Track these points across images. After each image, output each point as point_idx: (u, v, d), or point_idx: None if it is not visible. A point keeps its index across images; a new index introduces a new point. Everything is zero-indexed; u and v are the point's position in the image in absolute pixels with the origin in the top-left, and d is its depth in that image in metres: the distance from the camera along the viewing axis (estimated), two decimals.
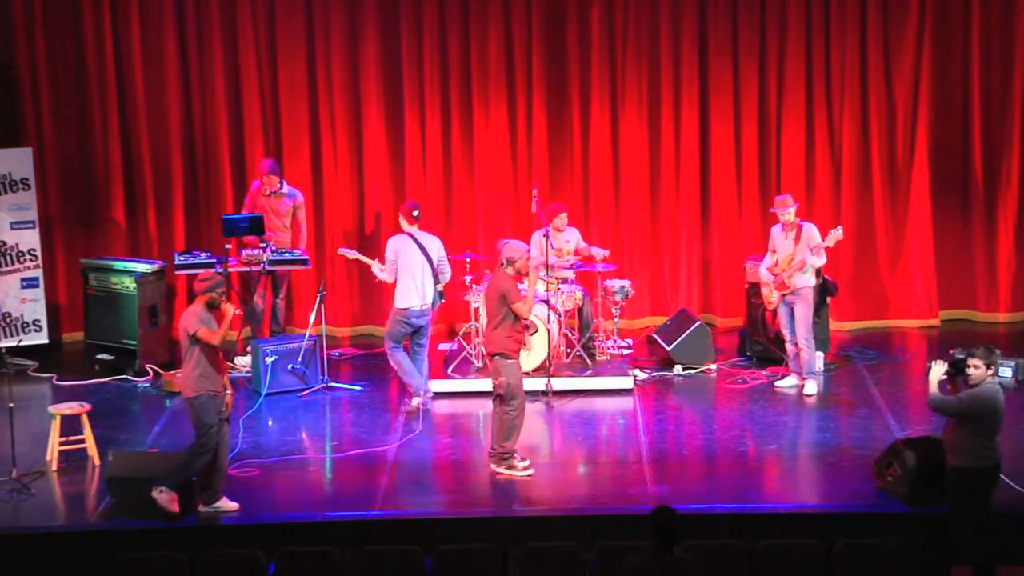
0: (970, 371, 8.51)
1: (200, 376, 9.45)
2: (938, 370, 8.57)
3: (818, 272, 12.01)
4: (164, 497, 9.41)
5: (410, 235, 11.68)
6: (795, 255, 11.77)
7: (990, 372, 8.48)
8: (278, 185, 13.04)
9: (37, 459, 10.47)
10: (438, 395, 11.99)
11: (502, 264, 10.28)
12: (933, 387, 8.56)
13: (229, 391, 9.63)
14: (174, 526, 9.36)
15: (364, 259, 12.19)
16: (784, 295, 11.86)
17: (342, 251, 12.53)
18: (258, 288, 13.01)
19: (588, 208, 14.04)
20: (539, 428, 11.60)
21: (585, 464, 10.59)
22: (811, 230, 11.85)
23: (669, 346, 12.65)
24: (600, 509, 9.66)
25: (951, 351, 8.69)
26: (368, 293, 14.08)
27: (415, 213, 11.73)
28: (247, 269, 12.92)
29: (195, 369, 9.47)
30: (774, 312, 12.23)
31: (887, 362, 12.92)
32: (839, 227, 11.88)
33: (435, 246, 11.77)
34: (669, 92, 13.85)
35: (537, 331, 11.99)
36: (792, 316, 11.87)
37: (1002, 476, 8.77)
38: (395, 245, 11.69)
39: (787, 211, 11.82)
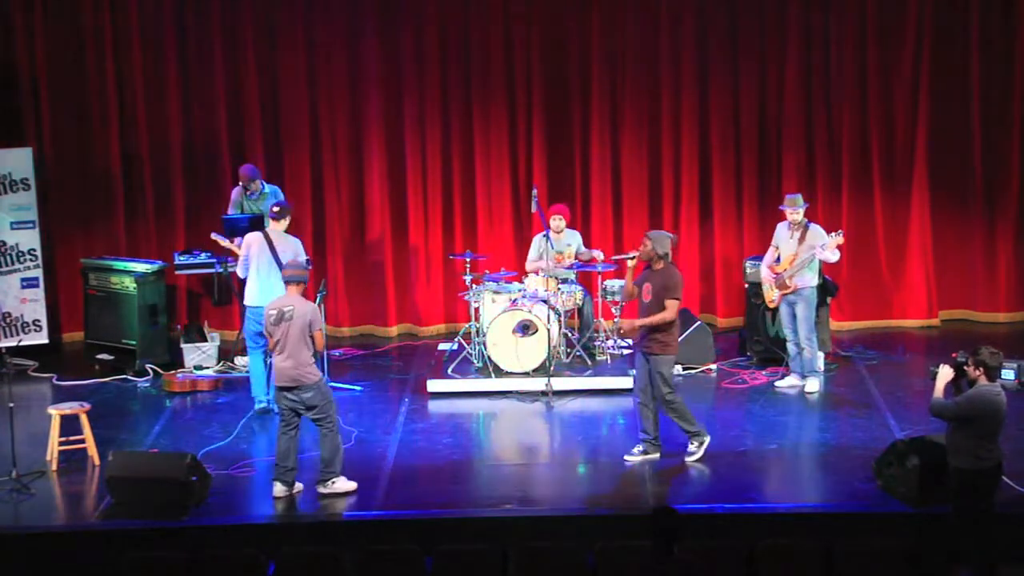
0: (967, 371, 8.54)
1: (316, 363, 9.79)
2: (945, 373, 8.58)
3: (819, 272, 12.01)
4: (339, 485, 9.74)
5: (264, 233, 11.47)
6: (798, 255, 11.76)
7: (978, 373, 8.47)
8: (261, 187, 13.05)
9: (37, 459, 10.46)
10: (439, 395, 11.99)
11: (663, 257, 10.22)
12: (938, 391, 8.57)
13: None
14: (174, 526, 9.36)
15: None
16: (785, 294, 11.86)
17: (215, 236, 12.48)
18: None
19: (589, 208, 14.04)
20: (539, 428, 11.60)
21: (585, 464, 10.59)
22: (817, 231, 11.82)
23: None
24: (600, 509, 9.66)
25: (953, 355, 8.69)
26: (368, 293, 14.09)
27: (274, 211, 11.58)
28: None
29: (312, 356, 9.74)
30: (774, 311, 12.25)
31: (887, 362, 12.92)
32: (840, 231, 11.87)
33: (289, 248, 11.42)
34: (669, 92, 13.85)
35: (537, 331, 11.99)
36: (793, 316, 11.87)
37: (1003, 477, 8.77)
38: (248, 240, 11.55)
39: (797, 210, 11.81)
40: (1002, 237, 13.94)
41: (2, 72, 13.59)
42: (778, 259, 11.98)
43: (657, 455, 10.38)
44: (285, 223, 11.45)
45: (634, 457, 10.38)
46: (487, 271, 12.81)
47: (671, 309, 10.12)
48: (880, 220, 13.91)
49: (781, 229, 12.01)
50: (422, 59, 13.76)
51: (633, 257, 10.35)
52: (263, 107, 13.86)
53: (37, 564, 9.18)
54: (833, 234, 11.77)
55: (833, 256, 11.79)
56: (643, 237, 10.37)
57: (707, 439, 10.37)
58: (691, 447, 10.36)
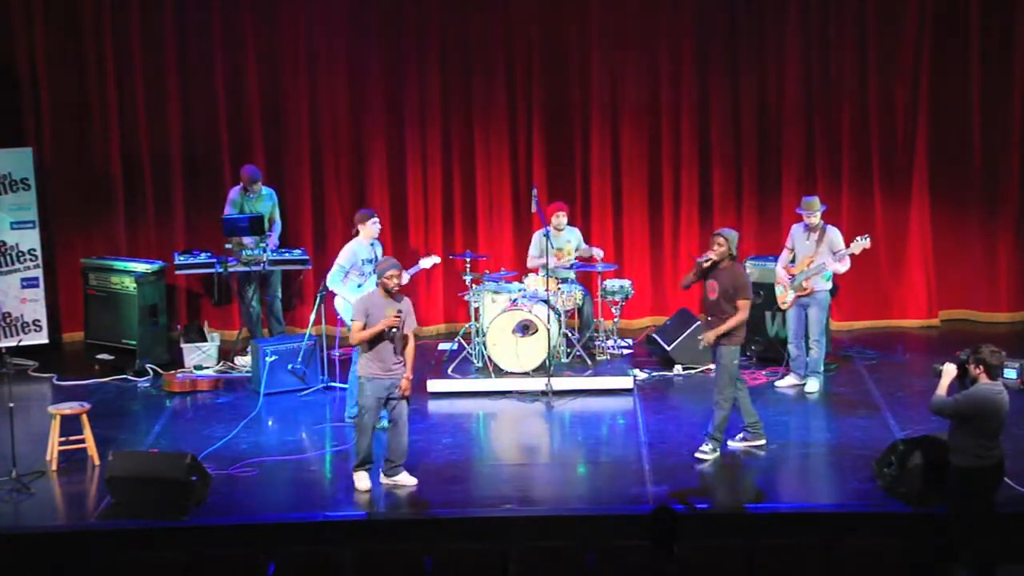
0: (969, 369, 8.55)
1: (367, 359, 9.80)
2: (949, 371, 8.59)
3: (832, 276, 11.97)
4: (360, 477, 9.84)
5: None
6: (815, 257, 11.74)
7: (979, 371, 8.48)
8: (260, 188, 13.07)
9: (37, 459, 10.46)
10: (439, 395, 11.99)
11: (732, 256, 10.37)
12: (941, 388, 8.58)
13: (406, 374, 9.80)
14: (174, 526, 9.36)
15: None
16: (800, 296, 11.84)
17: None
18: (250, 289, 13.07)
19: (589, 208, 14.04)
20: (539, 428, 11.60)
21: (585, 464, 10.60)
22: (834, 234, 11.80)
23: (669, 346, 12.65)
24: (600, 509, 9.66)
25: (957, 353, 8.70)
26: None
27: None
28: (247, 269, 12.91)
29: (364, 352, 9.83)
30: (774, 312, 12.25)
31: (887, 362, 12.92)
32: (866, 235, 11.81)
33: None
34: (669, 92, 13.85)
35: (537, 331, 11.98)
36: (801, 318, 11.85)
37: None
38: None
39: (814, 214, 11.78)
40: (1002, 237, 13.94)
41: (2, 72, 13.59)
42: (793, 261, 11.96)
43: (762, 441, 10.52)
44: (360, 229, 11.37)
45: (736, 443, 10.54)
46: (487, 271, 12.82)
47: (744, 310, 10.28)
48: (880, 220, 13.91)
49: (797, 231, 11.98)
50: (422, 59, 13.76)
51: (709, 260, 10.39)
52: (263, 107, 13.85)
53: (37, 564, 9.18)
54: (859, 239, 11.71)
55: (842, 267, 11.77)
56: (715, 237, 10.43)
57: (719, 453, 10.40)
58: (706, 447, 10.39)
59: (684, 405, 11.85)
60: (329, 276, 11.38)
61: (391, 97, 13.85)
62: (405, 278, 11.16)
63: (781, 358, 12.26)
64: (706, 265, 10.40)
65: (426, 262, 12.28)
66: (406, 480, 9.95)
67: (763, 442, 10.55)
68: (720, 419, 10.36)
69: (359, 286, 11.21)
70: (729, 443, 10.55)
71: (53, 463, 10.43)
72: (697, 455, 10.36)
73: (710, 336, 10.35)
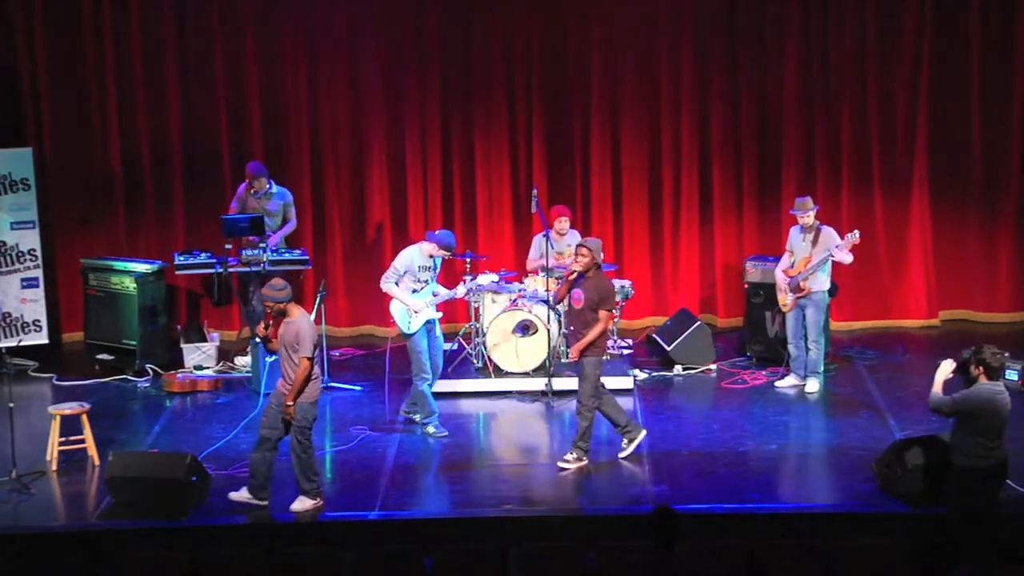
0: (970, 368, 8.55)
1: None
2: (945, 369, 8.59)
3: (829, 275, 11.97)
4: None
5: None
6: (812, 258, 11.74)
7: (979, 371, 8.48)
8: (267, 185, 13.05)
9: (37, 459, 10.46)
10: (438, 395, 11.97)
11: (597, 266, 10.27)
12: (936, 386, 8.58)
13: (288, 401, 9.52)
14: (174, 526, 9.36)
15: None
16: (799, 297, 11.83)
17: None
18: (250, 289, 13.05)
19: (589, 208, 14.04)
20: (539, 428, 11.60)
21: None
22: (830, 233, 11.79)
23: (669, 346, 12.65)
24: (600, 509, 9.66)
25: (963, 351, 8.69)
26: (368, 293, 14.06)
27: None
28: (247, 270, 12.91)
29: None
30: (774, 313, 12.24)
31: (887, 362, 12.92)
32: (856, 231, 11.82)
33: None
34: (669, 92, 13.86)
35: (537, 331, 11.99)
36: (800, 318, 11.85)
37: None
38: None
39: (807, 214, 11.78)
40: (1002, 237, 13.95)
41: (2, 73, 13.58)
42: (792, 264, 11.97)
43: (642, 433, 10.45)
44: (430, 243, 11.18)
45: (625, 451, 10.46)
46: (487, 271, 12.80)
47: (604, 321, 10.19)
48: (880, 220, 13.91)
49: (794, 233, 11.99)
50: (423, 59, 13.77)
51: (574, 272, 10.30)
52: (263, 107, 13.85)
53: (37, 564, 9.17)
54: (849, 235, 11.73)
55: (848, 257, 11.76)
56: (579, 248, 10.29)
57: (587, 461, 10.32)
58: (569, 456, 10.31)
59: (684, 405, 11.86)
60: (383, 277, 11.19)
61: (391, 98, 13.85)
62: (456, 293, 11.45)
63: (781, 358, 12.26)
64: (572, 277, 10.31)
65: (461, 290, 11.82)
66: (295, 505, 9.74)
67: (643, 433, 10.46)
68: (583, 428, 10.27)
69: (414, 292, 11.13)
70: (620, 456, 10.45)
71: (53, 463, 10.43)
72: (560, 464, 10.29)
73: (574, 351, 10.26)
